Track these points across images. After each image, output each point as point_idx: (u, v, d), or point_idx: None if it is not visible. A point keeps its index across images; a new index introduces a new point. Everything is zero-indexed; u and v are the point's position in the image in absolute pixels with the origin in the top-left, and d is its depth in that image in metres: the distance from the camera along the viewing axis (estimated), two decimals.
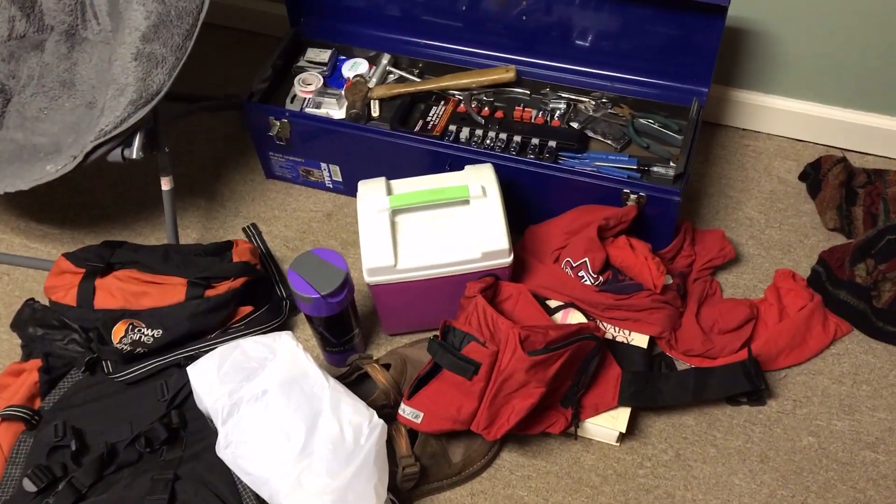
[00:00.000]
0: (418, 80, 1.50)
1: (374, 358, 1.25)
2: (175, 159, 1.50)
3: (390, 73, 1.52)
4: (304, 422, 1.02)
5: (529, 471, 1.20)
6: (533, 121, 1.43)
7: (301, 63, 1.54)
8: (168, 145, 1.32)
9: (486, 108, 1.46)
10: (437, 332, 1.18)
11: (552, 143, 1.38)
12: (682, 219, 1.40)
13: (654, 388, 1.20)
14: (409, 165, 1.38)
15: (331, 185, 1.55)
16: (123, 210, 1.56)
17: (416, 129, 1.43)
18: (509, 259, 1.21)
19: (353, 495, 0.99)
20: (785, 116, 1.57)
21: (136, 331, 1.22)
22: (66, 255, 1.31)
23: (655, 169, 1.35)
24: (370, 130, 1.40)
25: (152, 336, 1.22)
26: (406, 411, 1.14)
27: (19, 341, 1.30)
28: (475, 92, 1.48)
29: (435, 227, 1.21)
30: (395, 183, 1.25)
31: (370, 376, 1.21)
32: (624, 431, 1.18)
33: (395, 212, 1.21)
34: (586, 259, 1.26)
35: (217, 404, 1.04)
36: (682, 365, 1.28)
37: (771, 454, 1.20)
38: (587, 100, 1.44)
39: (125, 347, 1.21)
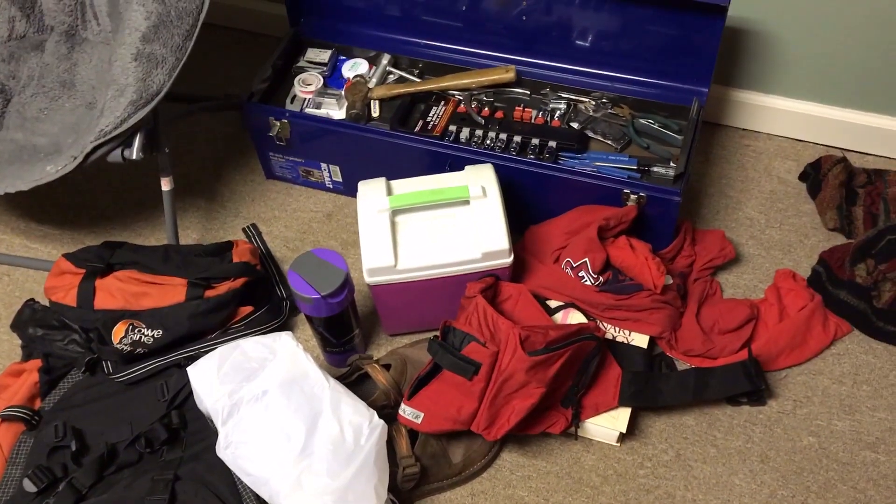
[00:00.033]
0: (418, 80, 1.50)
1: (375, 358, 1.24)
2: (175, 159, 1.50)
3: (390, 73, 1.52)
4: (305, 422, 1.02)
5: (530, 471, 1.20)
6: (533, 121, 1.43)
7: (301, 63, 1.54)
8: (168, 146, 1.32)
9: (486, 109, 1.46)
10: (438, 333, 1.17)
11: (552, 144, 1.37)
12: (682, 219, 1.40)
13: (654, 389, 1.20)
14: (409, 166, 1.38)
15: (331, 186, 1.55)
16: (123, 210, 1.56)
17: (416, 129, 1.43)
18: (509, 259, 1.21)
19: (354, 496, 0.99)
20: (785, 116, 1.57)
21: (136, 331, 1.22)
22: (67, 256, 1.31)
23: (655, 169, 1.35)
24: (370, 131, 1.40)
25: (152, 336, 1.22)
26: (406, 412, 1.14)
27: (19, 342, 1.30)
28: (475, 92, 1.48)
29: (435, 227, 1.20)
30: (395, 183, 1.25)
31: (370, 376, 1.21)
32: (624, 431, 1.18)
33: (395, 212, 1.21)
34: (586, 259, 1.26)
35: (217, 405, 1.04)
36: (682, 365, 1.28)
37: (771, 454, 1.20)
38: (587, 100, 1.44)
39: (125, 348, 1.21)
